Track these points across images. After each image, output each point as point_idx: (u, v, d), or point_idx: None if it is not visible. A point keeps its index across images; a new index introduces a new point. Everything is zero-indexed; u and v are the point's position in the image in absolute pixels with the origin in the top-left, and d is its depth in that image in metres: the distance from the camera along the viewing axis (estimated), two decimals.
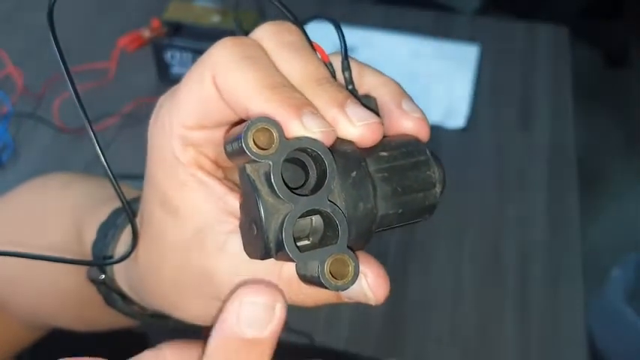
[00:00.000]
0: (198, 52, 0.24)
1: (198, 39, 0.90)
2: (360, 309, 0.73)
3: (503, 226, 0.82)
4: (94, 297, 0.38)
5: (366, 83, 0.28)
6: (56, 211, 0.44)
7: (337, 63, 0.28)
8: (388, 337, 0.71)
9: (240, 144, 0.23)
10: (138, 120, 0.88)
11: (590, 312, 1.42)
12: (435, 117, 0.92)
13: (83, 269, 0.38)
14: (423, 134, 0.27)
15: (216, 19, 0.92)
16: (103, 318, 0.41)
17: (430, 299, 0.75)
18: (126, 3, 1.09)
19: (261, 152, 0.23)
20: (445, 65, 1.01)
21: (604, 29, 2.21)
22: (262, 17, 0.92)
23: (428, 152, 0.26)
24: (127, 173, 0.57)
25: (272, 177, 0.23)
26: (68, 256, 0.38)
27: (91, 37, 1.03)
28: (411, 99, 0.27)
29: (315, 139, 0.24)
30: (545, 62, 1.04)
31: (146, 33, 0.96)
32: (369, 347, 0.70)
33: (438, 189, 0.26)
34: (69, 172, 0.51)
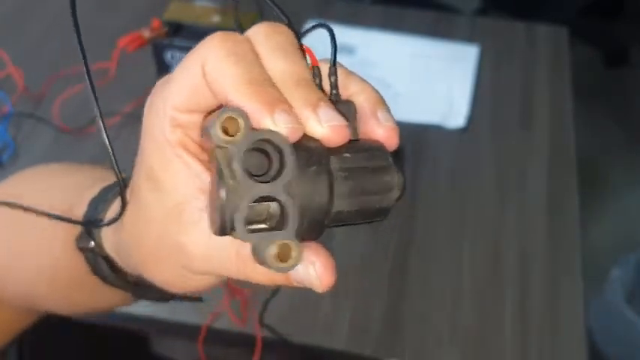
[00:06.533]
0: None
1: (198, 39, 0.89)
2: (360, 310, 0.73)
3: (503, 226, 0.82)
4: (83, 279, 0.41)
5: (350, 89, 0.30)
6: (48, 194, 0.46)
7: (327, 69, 0.30)
8: (388, 337, 0.71)
9: (209, 129, 0.25)
10: (138, 120, 0.87)
11: (590, 312, 1.42)
12: (435, 117, 0.92)
13: (72, 254, 0.41)
14: (391, 143, 0.29)
15: (216, 19, 0.92)
16: (93, 300, 0.45)
17: (430, 299, 0.75)
18: (126, 3, 1.09)
19: (226, 138, 0.25)
20: (445, 65, 1.01)
21: (604, 29, 2.21)
22: (262, 17, 0.92)
23: (390, 159, 0.28)
24: None
25: (233, 162, 0.25)
26: (59, 233, 0.42)
27: (91, 37, 1.02)
28: (387, 109, 0.30)
29: (275, 132, 0.26)
30: (545, 62, 1.04)
31: (146, 33, 0.96)
32: (369, 347, 0.70)
33: (394, 194, 0.28)
34: (60, 163, 0.54)
